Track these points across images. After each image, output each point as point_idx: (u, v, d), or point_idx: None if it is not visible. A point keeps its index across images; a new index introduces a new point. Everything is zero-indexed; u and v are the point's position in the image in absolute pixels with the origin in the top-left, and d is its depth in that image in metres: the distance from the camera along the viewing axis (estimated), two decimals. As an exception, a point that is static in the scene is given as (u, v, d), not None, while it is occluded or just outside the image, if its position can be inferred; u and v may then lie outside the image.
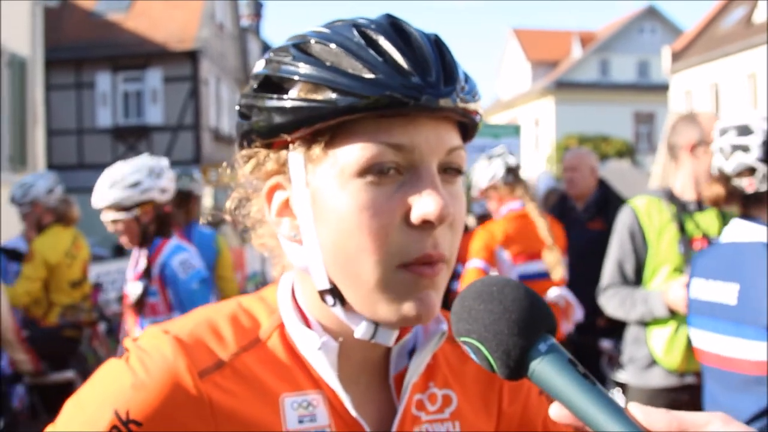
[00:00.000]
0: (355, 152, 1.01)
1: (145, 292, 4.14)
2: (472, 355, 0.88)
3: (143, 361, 1.08)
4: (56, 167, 21.18)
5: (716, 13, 33.95)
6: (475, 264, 4.79)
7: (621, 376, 4.20)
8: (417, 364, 1.17)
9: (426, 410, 1.21)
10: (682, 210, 3.78)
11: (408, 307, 1.04)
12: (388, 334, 1.10)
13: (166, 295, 4.18)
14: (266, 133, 1.07)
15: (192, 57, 24.18)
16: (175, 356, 1.08)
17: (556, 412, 0.82)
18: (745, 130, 2.81)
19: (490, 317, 0.85)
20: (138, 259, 4.25)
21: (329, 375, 1.12)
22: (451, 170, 1.08)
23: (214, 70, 25.63)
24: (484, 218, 7.05)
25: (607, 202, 5.95)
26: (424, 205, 1.00)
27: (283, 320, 1.17)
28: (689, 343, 3.62)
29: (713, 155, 2.95)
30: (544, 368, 0.82)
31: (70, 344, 6.26)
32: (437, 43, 1.07)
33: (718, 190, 2.91)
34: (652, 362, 3.81)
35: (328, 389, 1.13)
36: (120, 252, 19.03)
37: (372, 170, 1.01)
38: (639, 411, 0.78)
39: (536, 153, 41.91)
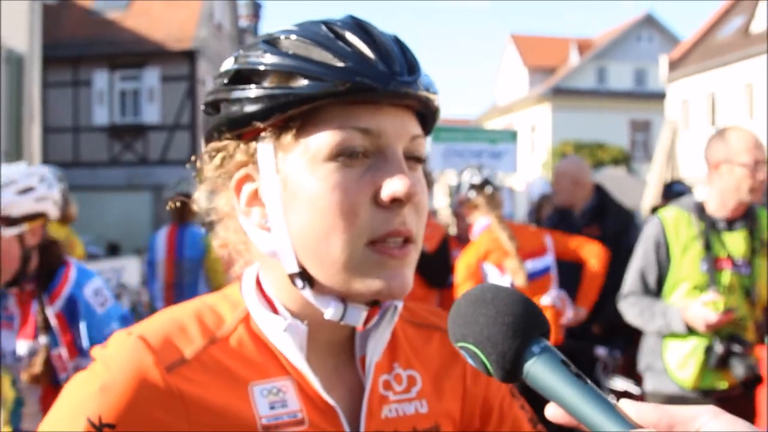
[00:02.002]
0: (326, 137, 1.08)
1: (48, 351, 3.01)
2: (470, 360, 0.90)
3: (108, 364, 1.11)
4: (52, 164, 21.17)
5: (714, 22, 34.01)
6: (463, 289, 4.80)
7: (618, 384, 4.21)
8: (375, 342, 1.21)
9: (393, 390, 1.25)
10: (710, 227, 3.77)
11: (380, 282, 1.09)
12: (357, 314, 1.14)
13: (71, 337, 3.08)
14: (238, 123, 1.12)
15: (190, 57, 24.17)
16: (140, 354, 1.10)
17: (551, 411, 0.84)
18: None
19: (485, 322, 0.88)
20: (8, 306, 3.11)
21: (297, 359, 1.15)
22: (412, 158, 1.14)
23: (211, 70, 25.59)
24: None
25: (604, 208, 5.93)
26: (393, 183, 1.07)
27: (249, 311, 1.20)
28: (704, 361, 3.64)
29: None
30: (538, 369, 0.84)
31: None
32: (397, 41, 1.15)
33: None
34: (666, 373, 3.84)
35: (297, 374, 1.16)
36: (114, 251, 19.04)
37: (342, 154, 1.07)
38: (630, 406, 0.80)
39: (532, 159, 41.93)
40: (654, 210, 7.75)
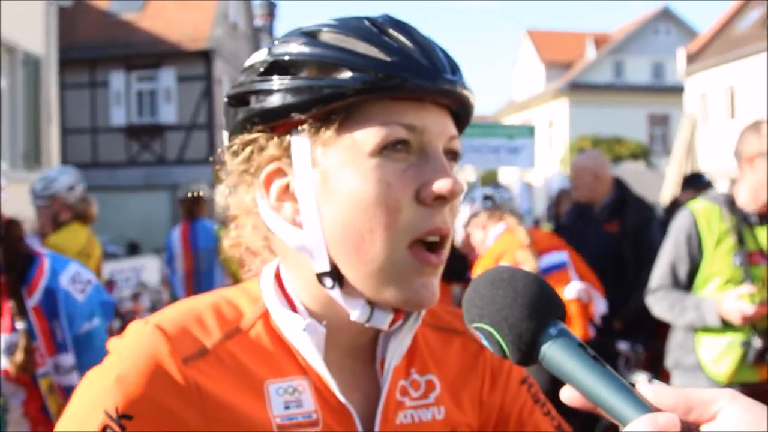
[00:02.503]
0: (371, 132, 1.06)
1: (30, 342, 2.84)
2: (484, 341, 0.90)
3: (123, 355, 1.08)
4: (70, 165, 21.28)
5: (732, 14, 33.78)
6: None
7: (640, 378, 4.16)
8: (396, 346, 1.18)
9: (409, 396, 1.22)
10: (742, 221, 3.72)
11: (412, 291, 1.08)
12: (384, 317, 1.12)
13: (49, 333, 2.92)
14: (274, 114, 1.09)
15: (205, 57, 24.22)
16: (156, 344, 1.08)
17: (567, 394, 0.83)
18: None
19: (503, 302, 0.88)
20: None
21: (315, 359, 1.12)
22: (449, 155, 1.13)
23: (227, 69, 25.63)
24: None
25: (624, 204, 5.81)
26: (439, 182, 1.05)
27: (268, 307, 1.17)
28: (742, 355, 3.58)
29: None
30: (555, 351, 0.84)
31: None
32: (436, 43, 1.14)
33: None
34: (700, 368, 3.77)
35: (314, 374, 1.14)
36: (134, 250, 19.12)
37: (386, 149, 1.05)
38: (648, 389, 0.79)
39: (550, 154, 41.78)
40: (674, 203, 7.69)
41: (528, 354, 0.86)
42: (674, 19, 47.06)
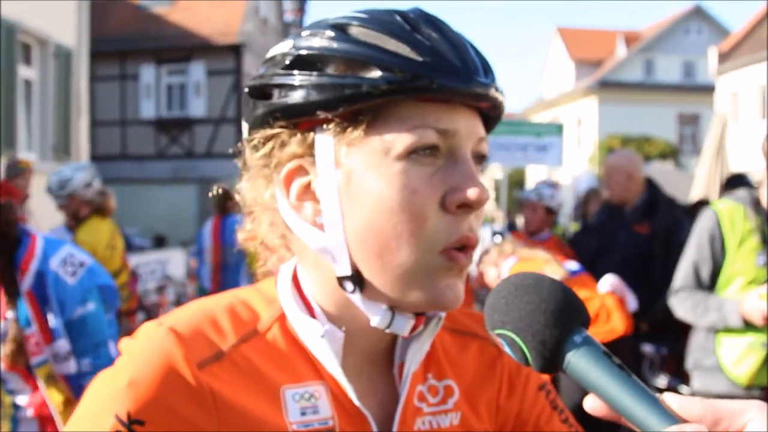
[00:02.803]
0: (401, 134, 1.02)
1: (19, 328, 2.78)
2: (506, 348, 0.87)
3: (136, 357, 1.06)
4: (99, 158, 21.41)
5: (765, 13, 33.40)
6: None
7: (664, 382, 4.13)
8: (415, 351, 1.16)
9: (427, 402, 1.20)
10: (767, 221, 3.67)
11: (437, 292, 1.05)
12: (405, 323, 1.09)
13: (43, 319, 2.81)
14: (298, 111, 1.05)
15: (235, 51, 24.27)
16: (171, 347, 1.05)
17: (591, 404, 0.82)
18: None
19: (527, 308, 0.86)
20: None
21: (332, 365, 1.10)
22: (477, 158, 1.10)
23: (257, 64, 25.53)
24: None
25: (655, 204, 5.70)
26: (465, 189, 1.02)
27: (285, 310, 1.14)
28: (764, 357, 3.54)
29: None
30: (580, 360, 0.82)
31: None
32: (468, 40, 1.09)
33: None
34: (720, 369, 3.72)
35: (331, 380, 1.11)
36: (160, 243, 19.23)
37: (415, 153, 1.01)
38: (674, 400, 0.78)
39: (578, 153, 41.57)
40: (699, 203, 7.60)
41: (551, 361, 0.84)
42: (706, 17, 46.63)
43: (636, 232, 5.65)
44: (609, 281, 4.83)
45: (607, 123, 42.11)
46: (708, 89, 38.69)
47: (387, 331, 1.09)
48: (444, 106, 1.03)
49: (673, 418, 0.76)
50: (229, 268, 8.17)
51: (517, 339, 0.86)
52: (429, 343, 1.16)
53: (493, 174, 35.06)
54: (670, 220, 5.61)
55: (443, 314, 1.15)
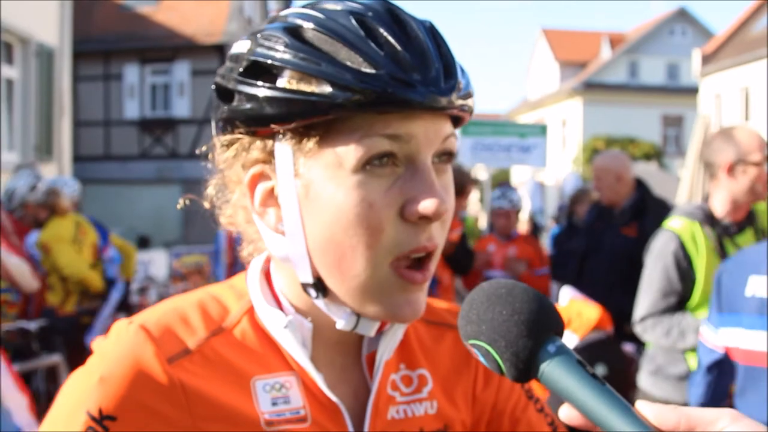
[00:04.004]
0: (353, 146, 0.99)
1: None
2: (481, 358, 0.87)
3: (107, 355, 1.07)
4: (83, 158, 21.32)
5: (748, 16, 33.63)
6: None
7: (643, 383, 4.10)
8: (387, 341, 1.16)
9: (400, 391, 1.20)
10: (723, 233, 3.62)
11: (395, 307, 1.05)
12: (370, 325, 1.10)
13: None
14: (253, 122, 1.03)
15: (220, 51, 24.19)
16: (140, 344, 1.06)
17: (566, 413, 0.81)
18: None
19: (499, 319, 0.85)
20: None
21: (299, 355, 1.10)
22: (444, 156, 1.08)
23: (241, 64, 25.62)
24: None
25: (644, 207, 5.66)
26: (422, 202, 1.00)
27: (253, 303, 1.15)
28: None
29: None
30: (554, 369, 0.82)
31: (87, 331, 6.34)
32: (433, 33, 1.06)
33: None
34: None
35: (302, 370, 1.12)
36: (144, 244, 19.15)
37: (370, 163, 0.99)
38: (648, 408, 0.78)
39: (563, 154, 41.69)
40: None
41: (525, 372, 0.84)
42: (690, 19, 46.89)
43: (623, 235, 5.63)
44: (568, 294, 4.89)
45: (591, 124, 42.28)
46: (692, 91, 38.87)
47: (353, 331, 1.10)
48: (401, 114, 1.00)
49: (647, 427, 0.76)
50: (240, 267, 8.46)
51: (491, 350, 0.85)
52: (402, 333, 1.18)
53: (477, 174, 35.10)
54: (658, 223, 5.59)
55: None
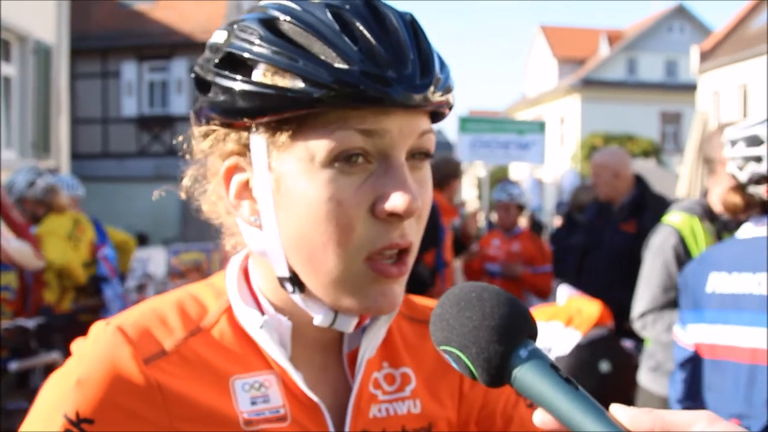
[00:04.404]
0: (325, 140, 0.98)
1: None
2: (453, 364, 0.85)
3: (84, 357, 1.06)
4: (81, 156, 21.29)
5: (746, 13, 33.62)
6: None
7: (643, 379, 4.10)
8: (370, 339, 1.16)
9: (383, 389, 1.19)
10: (723, 228, 3.61)
11: (370, 300, 1.04)
12: (348, 321, 1.09)
13: None
14: (227, 113, 1.02)
15: (218, 48, 24.25)
16: (117, 346, 1.06)
17: (540, 418, 0.80)
18: (754, 141, 2.70)
19: (469, 325, 0.83)
20: None
21: (278, 354, 1.09)
22: (420, 154, 1.06)
23: (239, 61, 25.62)
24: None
25: (643, 203, 5.65)
26: (392, 199, 0.99)
27: (231, 302, 1.14)
28: None
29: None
30: (526, 374, 0.81)
31: (85, 329, 6.34)
32: (413, 27, 1.04)
33: (735, 200, 2.81)
34: None
35: (281, 370, 1.11)
36: (142, 241, 19.14)
37: (341, 158, 0.98)
38: (622, 412, 0.76)
39: (561, 151, 41.69)
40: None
41: (498, 377, 0.82)
42: (688, 16, 46.88)
43: (622, 231, 5.63)
44: (566, 293, 4.90)
45: (589, 121, 42.28)
46: (690, 88, 38.90)
47: (331, 328, 1.10)
48: (375, 109, 0.98)
49: (621, 430, 0.75)
50: None
51: (462, 356, 0.83)
52: (384, 330, 1.17)
53: (475, 172, 35.06)
54: (657, 219, 5.58)
55: None
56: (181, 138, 1.17)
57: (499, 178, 34.93)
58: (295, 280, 1.07)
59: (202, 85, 1.07)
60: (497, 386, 0.83)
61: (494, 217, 8.32)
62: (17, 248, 5.21)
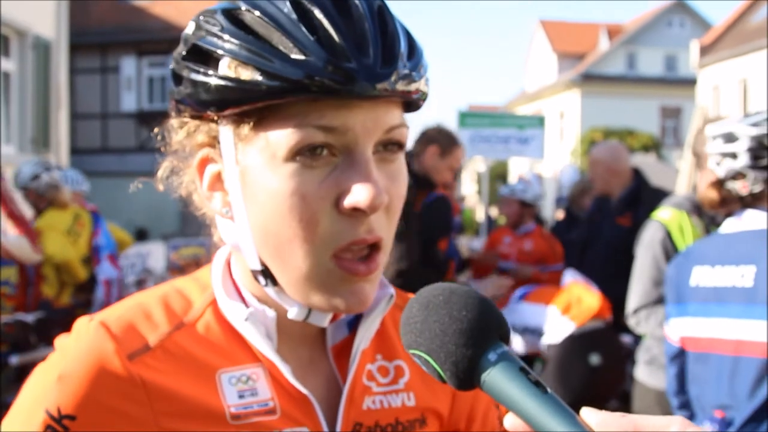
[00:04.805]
0: (286, 134, 0.96)
1: None
2: (423, 367, 0.83)
3: (66, 353, 1.05)
4: (80, 151, 21.28)
5: (746, 7, 33.62)
6: None
7: (639, 373, 4.10)
8: (365, 330, 1.14)
9: (377, 381, 1.18)
10: (711, 222, 3.63)
11: (339, 300, 1.02)
12: (322, 316, 1.08)
13: None
14: (195, 106, 1.02)
15: (217, 43, 24.24)
16: (100, 341, 1.04)
17: (510, 421, 0.79)
18: (730, 137, 2.72)
19: (437, 329, 0.81)
20: None
21: (264, 347, 1.08)
22: (391, 146, 1.03)
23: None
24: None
25: (639, 197, 5.64)
26: (355, 193, 0.97)
27: (216, 295, 1.13)
28: None
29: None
30: (495, 378, 0.79)
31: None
32: (380, 14, 1.00)
33: (711, 195, 2.85)
34: None
35: (268, 362, 1.09)
36: (142, 236, 19.15)
37: (303, 153, 0.96)
38: (593, 416, 0.75)
39: (561, 146, 41.67)
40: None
41: (467, 381, 0.81)
42: (688, 11, 46.86)
43: (618, 225, 5.63)
44: (570, 276, 4.92)
45: (589, 116, 42.24)
46: (690, 82, 38.89)
47: (306, 322, 1.09)
48: (335, 102, 0.96)
49: None
50: None
51: (431, 360, 0.82)
52: (379, 321, 1.16)
53: (475, 166, 35.06)
54: (651, 213, 5.58)
55: (393, 292, 1.15)
56: (156, 130, 1.18)
57: (498, 173, 34.96)
58: (267, 273, 1.05)
59: (175, 77, 1.07)
60: (467, 389, 0.81)
61: (493, 212, 8.30)
62: (14, 242, 5.23)
